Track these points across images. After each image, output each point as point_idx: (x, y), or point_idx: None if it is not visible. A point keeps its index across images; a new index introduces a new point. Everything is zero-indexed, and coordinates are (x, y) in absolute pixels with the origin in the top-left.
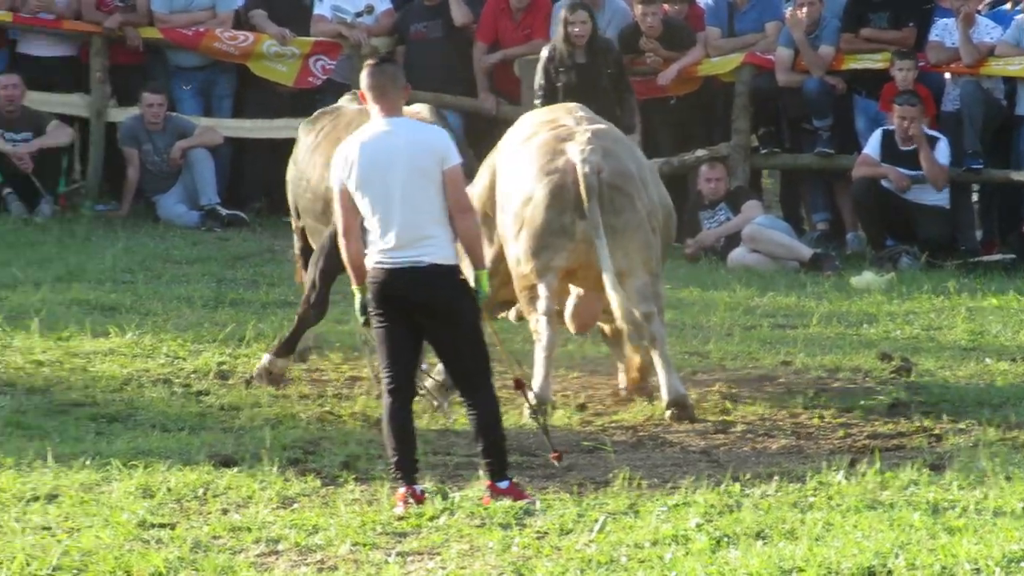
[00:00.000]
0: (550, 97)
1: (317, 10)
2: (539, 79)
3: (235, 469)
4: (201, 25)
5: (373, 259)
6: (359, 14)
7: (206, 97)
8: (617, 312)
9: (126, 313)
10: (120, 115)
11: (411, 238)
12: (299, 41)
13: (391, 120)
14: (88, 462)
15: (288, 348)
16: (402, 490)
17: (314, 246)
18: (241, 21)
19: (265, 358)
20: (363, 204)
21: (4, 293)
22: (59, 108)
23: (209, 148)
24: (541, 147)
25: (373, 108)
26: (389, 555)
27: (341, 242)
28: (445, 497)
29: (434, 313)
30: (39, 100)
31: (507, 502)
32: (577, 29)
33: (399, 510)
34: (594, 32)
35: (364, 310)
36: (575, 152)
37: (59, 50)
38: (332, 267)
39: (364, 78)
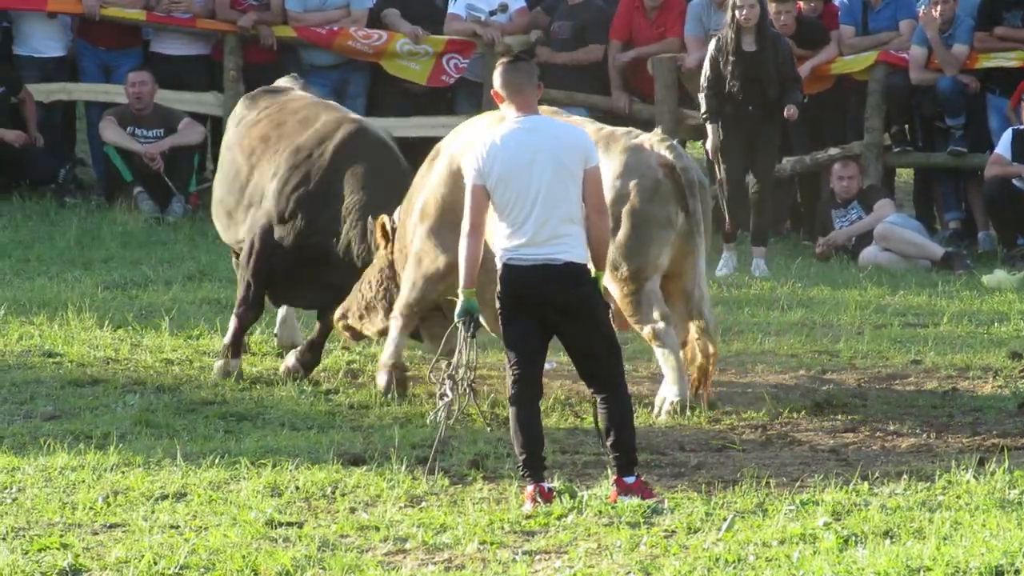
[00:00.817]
0: (717, 89)
1: (451, 8)
2: (706, 71)
3: (364, 468)
4: (335, 24)
5: (508, 260)
6: (493, 12)
7: (339, 96)
8: (705, 310)
9: None
10: None
11: (547, 235)
12: (432, 39)
13: (529, 118)
14: (217, 460)
15: (236, 349)
16: (530, 488)
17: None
18: (374, 20)
19: (218, 363)
20: (500, 201)
21: (135, 292)
22: (192, 107)
23: None
24: (611, 145)
25: (508, 106)
26: (516, 554)
27: (465, 240)
28: (573, 495)
29: (567, 310)
30: (172, 98)
31: (635, 500)
32: (745, 12)
33: (527, 508)
34: (763, 18)
35: (466, 314)
36: (660, 148)
37: (192, 49)
38: (264, 266)
39: (498, 76)
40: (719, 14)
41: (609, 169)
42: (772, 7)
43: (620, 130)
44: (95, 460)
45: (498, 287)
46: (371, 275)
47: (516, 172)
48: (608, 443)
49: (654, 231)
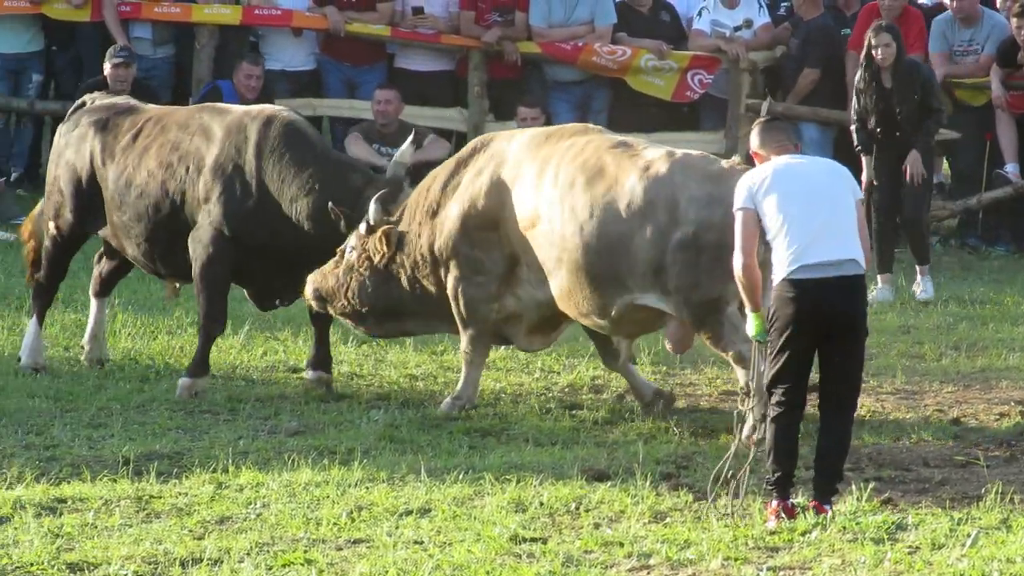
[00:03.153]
0: (863, 124)
1: (696, 25)
2: (853, 104)
3: (608, 483)
4: (579, 39)
5: (794, 275)
6: (738, 28)
7: (583, 111)
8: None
9: None
10: (497, 129)
11: (841, 256)
12: (676, 55)
13: (794, 155)
14: (461, 476)
15: (204, 367)
16: (775, 504)
17: (118, 245)
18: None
19: (185, 380)
20: (783, 222)
21: None
22: (435, 123)
23: None
24: (692, 170)
25: (768, 159)
26: (760, 570)
27: (741, 263)
28: (817, 512)
29: (852, 326)
30: (416, 114)
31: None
32: (881, 52)
33: (771, 524)
34: (899, 55)
35: (765, 334)
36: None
37: (437, 64)
38: (222, 275)
39: (755, 136)
40: (964, 30)
41: (687, 197)
42: (1013, 22)
43: (694, 154)
44: (339, 475)
45: (776, 307)
46: (355, 281)
47: (799, 196)
48: (818, 465)
49: None
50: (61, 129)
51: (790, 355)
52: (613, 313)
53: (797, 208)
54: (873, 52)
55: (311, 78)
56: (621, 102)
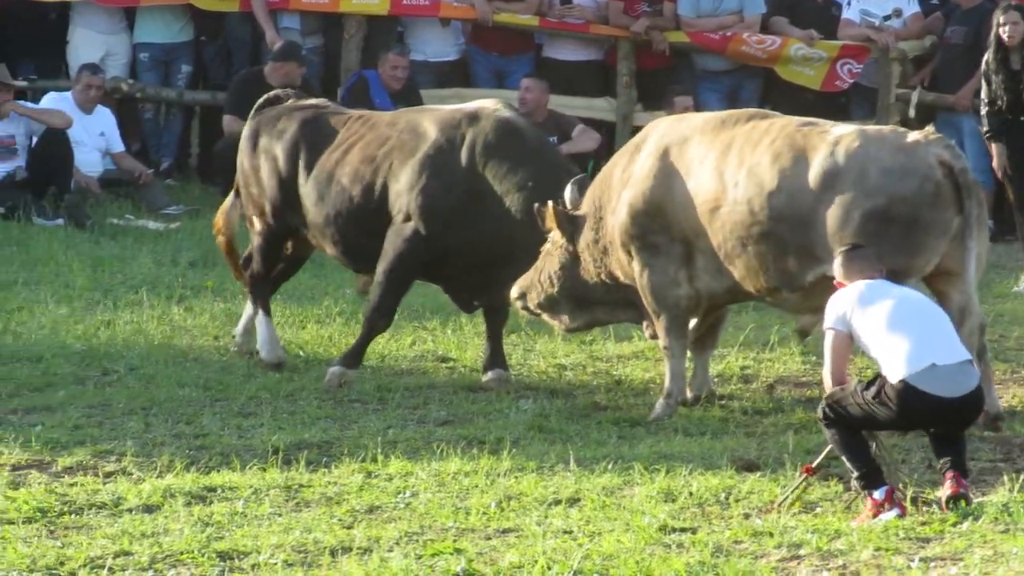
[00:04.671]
0: (993, 108)
1: (845, 14)
2: (983, 88)
3: (757, 474)
4: (728, 29)
5: (916, 382)
6: (887, 17)
7: (732, 101)
8: (975, 319)
9: None
10: (646, 119)
11: (958, 357)
12: (826, 44)
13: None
14: (610, 466)
15: (357, 358)
16: (878, 494)
17: (315, 241)
18: (763, 26)
19: (335, 369)
20: (887, 328)
21: None
22: (583, 112)
23: None
24: (880, 143)
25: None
26: (912, 560)
27: (829, 385)
28: (968, 502)
29: (967, 423)
30: (564, 104)
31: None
32: (1008, 30)
33: (887, 516)
34: None
35: None
36: (937, 147)
37: (585, 54)
38: (407, 272)
39: (842, 265)
40: None
41: (879, 168)
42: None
43: (885, 129)
44: (488, 465)
45: (893, 401)
46: (551, 267)
47: (895, 301)
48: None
49: (929, 238)
50: (251, 123)
51: (882, 425)
52: (806, 284)
53: (903, 312)
54: (1001, 32)
55: (455, 68)
56: (770, 91)
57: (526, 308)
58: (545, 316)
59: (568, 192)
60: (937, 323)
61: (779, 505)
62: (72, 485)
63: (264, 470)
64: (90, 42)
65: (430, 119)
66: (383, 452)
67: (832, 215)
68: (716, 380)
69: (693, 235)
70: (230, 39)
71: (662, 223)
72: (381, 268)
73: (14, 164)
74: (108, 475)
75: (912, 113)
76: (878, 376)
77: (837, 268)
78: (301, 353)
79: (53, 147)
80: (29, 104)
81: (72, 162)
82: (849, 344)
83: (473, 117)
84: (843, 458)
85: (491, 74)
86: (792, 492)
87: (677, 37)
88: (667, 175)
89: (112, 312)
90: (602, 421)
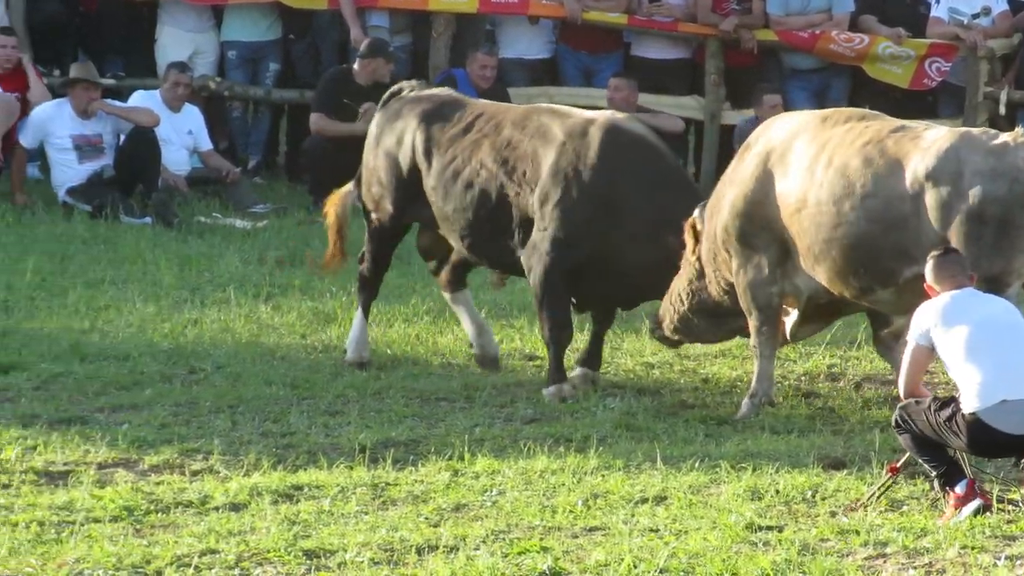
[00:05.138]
0: None
1: (934, 12)
2: None
3: (844, 472)
4: (817, 27)
5: (988, 418)
6: (976, 16)
7: (821, 100)
8: None
9: None
10: (735, 117)
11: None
12: (914, 43)
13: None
14: (697, 464)
15: (561, 373)
16: (959, 489)
17: (444, 233)
18: (851, 24)
19: (550, 390)
20: (967, 351)
21: None
22: (672, 110)
23: None
24: (971, 145)
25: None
26: (998, 558)
27: (903, 395)
28: None
29: None
30: (653, 102)
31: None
32: None
33: (973, 506)
34: None
35: None
36: None
37: (673, 52)
38: (561, 282)
39: (932, 269)
40: None
41: (971, 171)
42: None
43: (975, 131)
44: (575, 463)
45: (964, 432)
46: (680, 286)
47: (980, 322)
48: None
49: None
50: (376, 118)
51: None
52: (900, 281)
53: (982, 338)
54: None
55: (546, 66)
56: (859, 90)
57: (663, 337)
58: (682, 337)
59: (697, 210)
60: (1015, 351)
61: (864, 503)
62: (159, 483)
63: (351, 468)
64: (178, 40)
65: (559, 126)
66: (470, 450)
67: (924, 218)
68: (803, 378)
69: (788, 235)
70: (318, 37)
71: (761, 223)
72: (535, 284)
73: (102, 163)
74: (195, 473)
75: (1002, 111)
76: (954, 399)
77: (928, 272)
78: (388, 351)
79: (141, 145)
80: (117, 102)
81: (159, 160)
82: (928, 359)
83: (600, 126)
84: (919, 459)
85: (579, 72)
86: (878, 490)
87: (766, 35)
88: (768, 176)
89: (199, 310)
90: (689, 419)
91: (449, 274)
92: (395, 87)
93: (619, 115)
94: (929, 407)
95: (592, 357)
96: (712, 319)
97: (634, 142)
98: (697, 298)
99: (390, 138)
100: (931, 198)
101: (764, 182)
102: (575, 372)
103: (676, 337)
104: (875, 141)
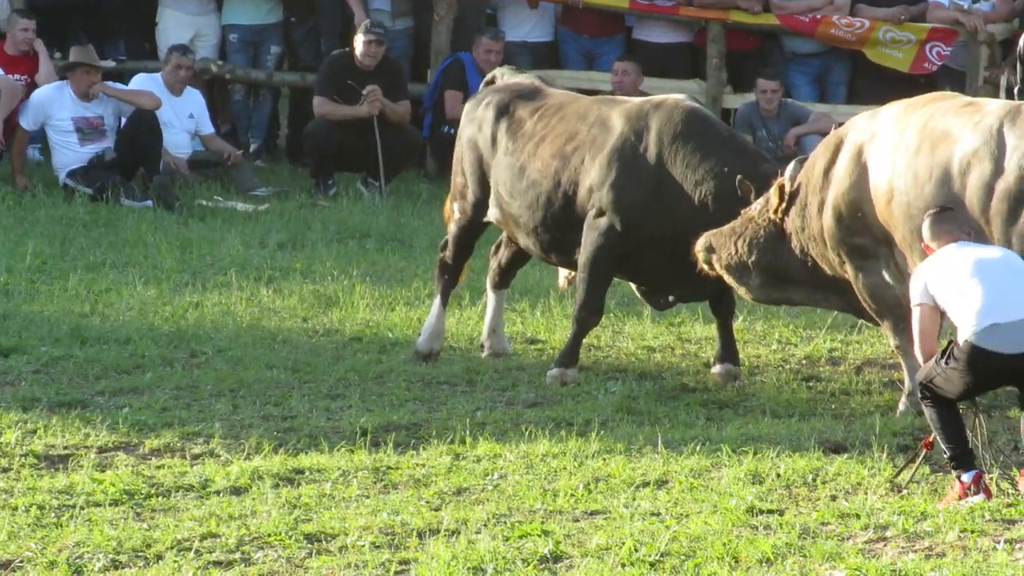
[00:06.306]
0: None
1: None
2: (1020, 70)
3: (845, 455)
4: (818, 11)
5: (983, 342)
6: (976, 0)
7: (821, 84)
8: None
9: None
10: (735, 101)
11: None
12: (914, 27)
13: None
14: (698, 448)
15: (574, 357)
16: (966, 478)
17: (509, 232)
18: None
19: (554, 371)
20: (962, 289)
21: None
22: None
23: (824, 135)
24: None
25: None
26: (998, 542)
27: (922, 360)
28: None
29: None
30: (655, 86)
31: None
32: None
33: (973, 499)
34: None
35: None
36: None
37: (675, 36)
38: (608, 266)
39: (929, 227)
40: None
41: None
42: None
43: (1013, 104)
44: (576, 447)
45: (959, 364)
46: (752, 235)
47: (975, 263)
48: None
49: None
50: (467, 106)
51: (961, 388)
52: None
53: (975, 273)
54: None
55: (548, 50)
56: (860, 74)
57: (709, 263)
58: (729, 278)
59: (790, 168)
60: (1011, 280)
61: (899, 479)
62: (159, 467)
63: (352, 452)
64: (179, 23)
65: (618, 112)
66: (471, 434)
67: (969, 196)
68: (804, 362)
69: (886, 230)
70: (320, 20)
71: (863, 224)
72: (581, 264)
73: (103, 145)
74: (196, 457)
75: (1002, 96)
76: (951, 341)
77: (925, 231)
78: (390, 335)
79: (142, 128)
80: (118, 85)
81: (161, 143)
82: (936, 317)
83: (658, 107)
84: (937, 436)
85: (581, 56)
86: (914, 466)
87: (766, 19)
88: (860, 173)
89: (200, 294)
90: (690, 403)
91: (497, 275)
92: (488, 76)
93: (675, 95)
94: (938, 361)
95: (728, 351)
96: (771, 280)
97: (694, 118)
98: (769, 256)
99: (472, 128)
100: (975, 175)
101: (859, 180)
102: (717, 369)
103: (722, 271)
104: (940, 122)
